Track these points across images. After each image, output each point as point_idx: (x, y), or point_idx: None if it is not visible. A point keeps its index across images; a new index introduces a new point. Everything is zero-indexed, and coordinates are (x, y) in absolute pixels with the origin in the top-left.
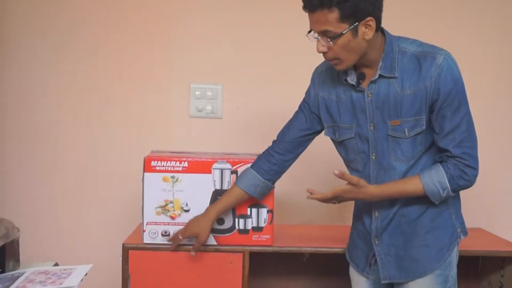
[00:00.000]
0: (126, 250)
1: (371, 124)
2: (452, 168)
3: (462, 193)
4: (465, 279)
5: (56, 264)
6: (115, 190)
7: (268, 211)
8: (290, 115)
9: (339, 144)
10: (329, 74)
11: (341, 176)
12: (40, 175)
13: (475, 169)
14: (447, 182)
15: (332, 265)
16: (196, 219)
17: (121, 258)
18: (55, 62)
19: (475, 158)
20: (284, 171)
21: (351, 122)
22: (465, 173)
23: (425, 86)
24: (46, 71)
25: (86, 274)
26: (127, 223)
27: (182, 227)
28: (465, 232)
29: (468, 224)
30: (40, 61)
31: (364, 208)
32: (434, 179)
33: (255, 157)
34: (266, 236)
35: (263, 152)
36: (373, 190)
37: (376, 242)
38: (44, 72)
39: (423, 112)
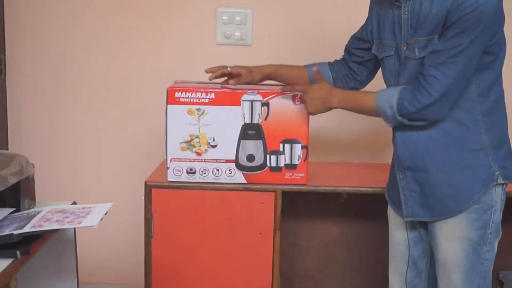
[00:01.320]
0: (149, 189)
1: (405, 44)
2: (408, 89)
3: None
4: None
5: (74, 203)
6: (136, 124)
7: (302, 147)
8: (327, 44)
9: (381, 63)
10: None
11: (316, 73)
12: (57, 107)
13: (432, 97)
14: (395, 101)
15: (372, 207)
16: (252, 67)
17: (143, 197)
18: None
19: (442, 87)
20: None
21: (393, 39)
22: (417, 97)
23: (446, 5)
24: None
25: (106, 213)
26: (149, 159)
27: (210, 163)
28: (507, 177)
29: None
30: None
31: (393, 140)
32: (387, 94)
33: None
34: (300, 174)
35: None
36: (334, 90)
37: (400, 176)
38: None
39: (436, 32)
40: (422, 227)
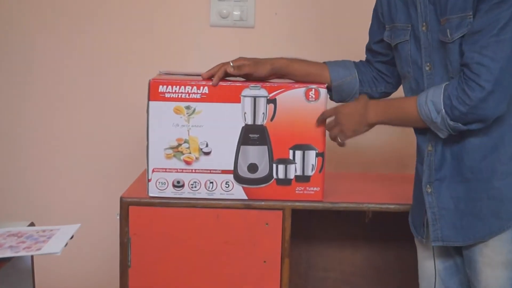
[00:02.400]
0: (125, 206)
1: (423, 23)
2: (455, 84)
3: None
4: None
5: (32, 224)
6: (110, 125)
7: (317, 155)
8: (348, 25)
9: (395, 51)
10: None
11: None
12: (12, 103)
13: (483, 89)
14: (442, 102)
15: (404, 228)
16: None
17: (118, 217)
18: None
19: (492, 75)
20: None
21: (407, 20)
22: (466, 93)
23: None
24: None
25: (72, 237)
26: (127, 169)
27: (202, 174)
28: None
29: None
30: None
31: (420, 145)
32: (429, 97)
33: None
34: (315, 189)
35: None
36: (370, 101)
37: (428, 190)
38: None
39: (469, 7)
40: (457, 254)
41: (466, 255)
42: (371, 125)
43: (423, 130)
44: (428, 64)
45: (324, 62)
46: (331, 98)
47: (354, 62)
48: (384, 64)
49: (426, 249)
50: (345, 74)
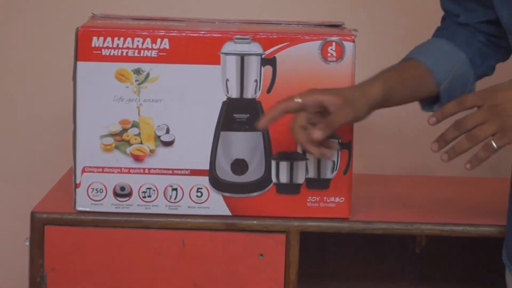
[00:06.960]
0: (39, 227)
1: None
2: None
3: None
4: None
5: None
6: (16, 103)
7: (341, 146)
8: None
9: None
10: None
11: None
12: None
13: None
14: None
15: (478, 262)
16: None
17: (28, 243)
18: None
19: None
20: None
21: None
22: None
23: None
24: None
25: None
26: (42, 170)
27: (159, 177)
28: None
29: None
30: None
31: None
32: None
33: (311, 29)
34: (337, 199)
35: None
36: None
37: None
38: None
39: None
40: None
41: None
42: None
43: None
44: None
45: (410, 58)
46: (424, 109)
47: (442, 33)
48: (489, 24)
49: None
50: (451, 63)
